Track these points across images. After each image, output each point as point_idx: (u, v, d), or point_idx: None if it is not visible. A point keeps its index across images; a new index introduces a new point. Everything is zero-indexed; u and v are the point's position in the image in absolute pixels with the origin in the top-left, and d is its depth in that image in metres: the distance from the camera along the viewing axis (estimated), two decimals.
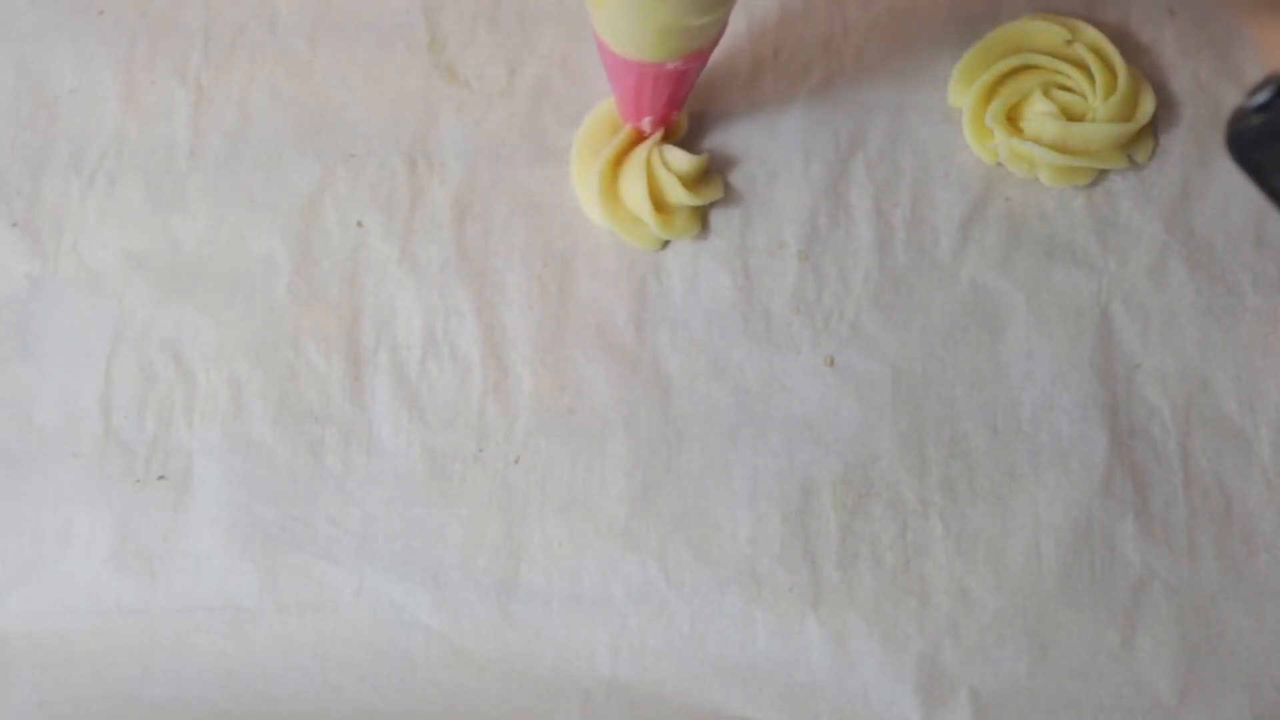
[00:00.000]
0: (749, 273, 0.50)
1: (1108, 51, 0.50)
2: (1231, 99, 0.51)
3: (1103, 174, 0.50)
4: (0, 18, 0.55)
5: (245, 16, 0.54)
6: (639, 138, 0.50)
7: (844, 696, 0.45)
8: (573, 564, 0.47)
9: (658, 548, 0.47)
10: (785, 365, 0.49)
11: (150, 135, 0.53)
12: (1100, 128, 0.49)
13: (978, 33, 0.52)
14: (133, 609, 0.47)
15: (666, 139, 0.50)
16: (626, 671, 0.46)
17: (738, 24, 0.53)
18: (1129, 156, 0.50)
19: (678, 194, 0.49)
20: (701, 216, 0.50)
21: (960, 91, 0.51)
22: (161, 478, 0.48)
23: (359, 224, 0.51)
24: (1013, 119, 0.50)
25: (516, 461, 0.48)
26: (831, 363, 0.48)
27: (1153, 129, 0.51)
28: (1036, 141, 0.49)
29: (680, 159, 0.49)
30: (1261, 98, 0.35)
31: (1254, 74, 0.51)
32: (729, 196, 0.51)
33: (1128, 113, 0.50)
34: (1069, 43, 0.50)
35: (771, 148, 0.51)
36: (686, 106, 0.50)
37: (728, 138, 0.51)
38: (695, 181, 0.50)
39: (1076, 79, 0.50)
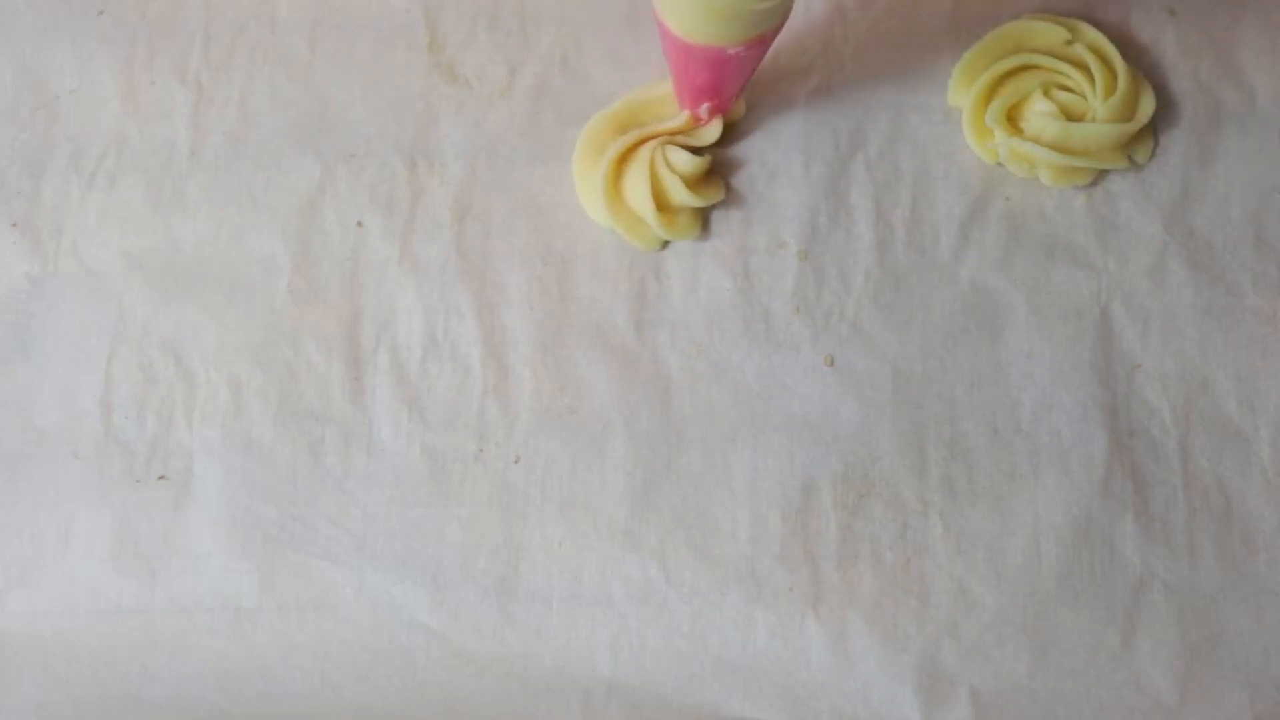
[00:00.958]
0: (749, 273, 0.50)
1: (1108, 51, 0.50)
2: (1231, 99, 0.51)
3: (1103, 174, 0.50)
4: (0, 18, 0.55)
5: (245, 16, 0.54)
6: (641, 139, 0.50)
7: (844, 696, 0.45)
8: (573, 564, 0.47)
9: (658, 548, 0.47)
10: (785, 365, 0.49)
11: (150, 135, 0.53)
12: (1100, 128, 0.49)
13: (978, 33, 0.52)
14: (132, 609, 0.47)
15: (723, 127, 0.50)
16: (626, 671, 0.46)
17: None
18: (1129, 156, 0.50)
19: (680, 194, 0.49)
20: (702, 217, 0.50)
21: (960, 91, 0.51)
22: (161, 478, 0.48)
23: (359, 224, 0.51)
24: (1013, 119, 0.50)
25: (516, 461, 0.48)
26: (831, 362, 0.48)
27: (1153, 129, 0.51)
28: (1036, 141, 0.49)
29: (683, 160, 0.49)
30: None
31: (1254, 74, 0.51)
32: (729, 197, 0.51)
33: (1128, 113, 0.50)
34: (1069, 43, 0.50)
35: (772, 148, 0.51)
36: (745, 94, 0.51)
37: (728, 139, 0.51)
38: (698, 182, 0.50)
39: (1076, 79, 0.50)
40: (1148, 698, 0.45)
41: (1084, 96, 0.50)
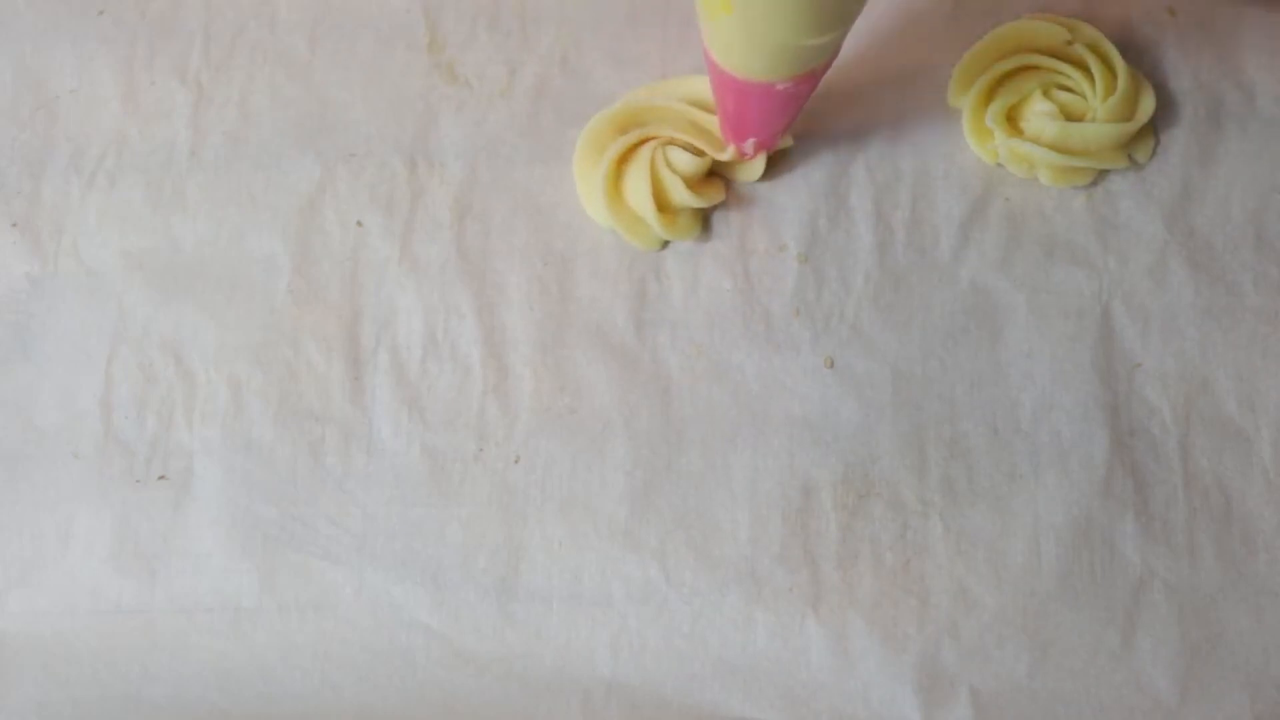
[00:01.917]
0: (749, 274, 0.50)
1: (1108, 51, 0.50)
2: (1232, 99, 0.51)
3: (1103, 174, 0.50)
4: (0, 18, 0.55)
5: (245, 16, 0.54)
6: (641, 140, 0.50)
7: (844, 696, 0.45)
8: (573, 564, 0.47)
9: (658, 548, 0.47)
10: (785, 366, 0.49)
11: (150, 135, 0.53)
12: (1100, 128, 0.49)
13: (978, 33, 0.52)
14: (132, 609, 0.47)
15: (769, 161, 0.50)
16: (626, 671, 0.46)
17: None
18: (1129, 156, 0.50)
19: (681, 195, 0.49)
20: (703, 218, 0.50)
21: (960, 92, 0.51)
22: (161, 478, 0.48)
23: (359, 224, 0.51)
24: (1012, 119, 0.50)
25: (516, 461, 0.48)
26: (831, 364, 0.48)
27: (1153, 129, 0.51)
28: (1036, 142, 0.49)
29: (684, 160, 0.49)
30: None
31: (1254, 74, 0.51)
32: (730, 198, 0.51)
33: (1128, 113, 0.50)
34: (1069, 43, 0.50)
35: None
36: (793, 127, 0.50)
37: None
38: (698, 183, 0.50)
39: (1076, 79, 0.50)
40: (1148, 698, 0.45)
41: (1084, 96, 0.50)
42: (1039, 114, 0.50)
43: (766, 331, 0.49)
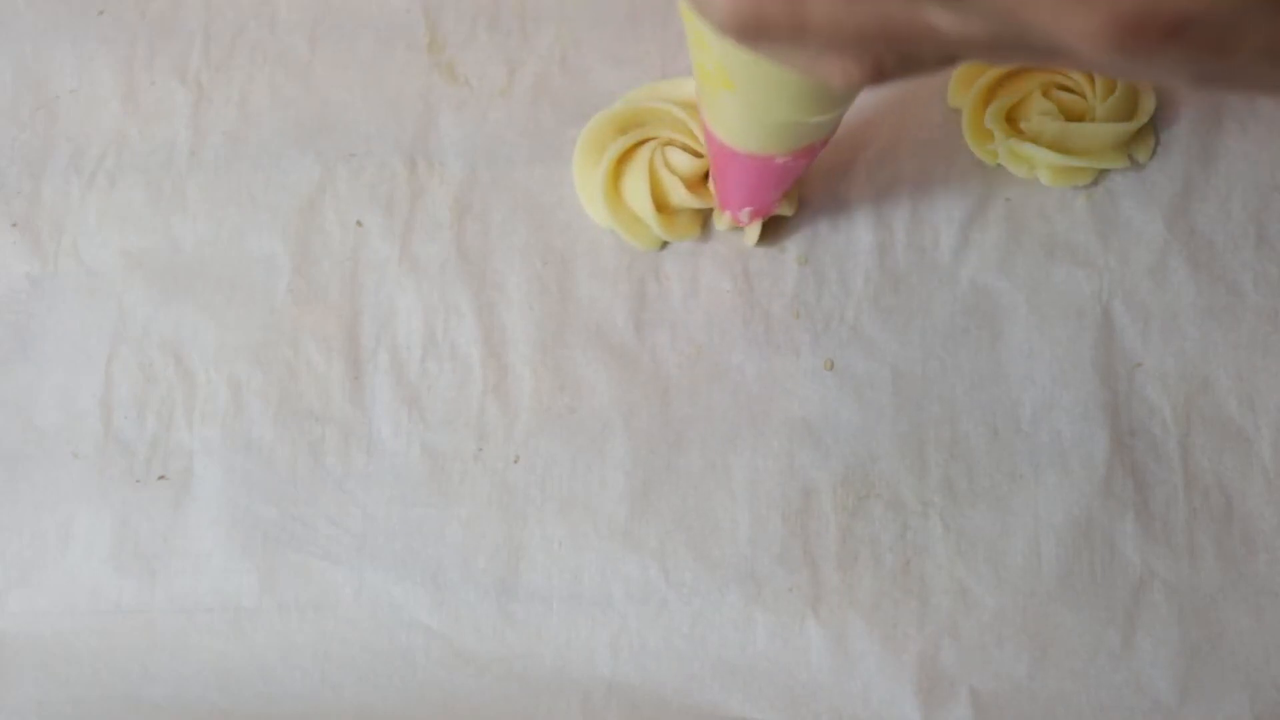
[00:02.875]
0: (749, 275, 0.50)
1: None
2: (1232, 99, 0.51)
3: (1103, 173, 0.50)
4: (0, 18, 0.55)
5: (245, 16, 0.54)
6: (640, 140, 0.50)
7: (844, 697, 0.45)
8: (573, 564, 0.47)
9: (658, 548, 0.47)
10: (785, 367, 0.48)
11: (150, 135, 0.53)
12: (1100, 127, 0.49)
13: None
14: (132, 609, 0.47)
15: (765, 226, 0.49)
16: (626, 671, 0.46)
17: None
18: (1129, 156, 0.50)
19: (680, 195, 0.49)
20: (702, 218, 0.50)
21: (960, 92, 0.51)
22: (161, 478, 0.48)
23: (359, 224, 0.51)
24: (1012, 119, 0.50)
25: (516, 461, 0.48)
26: (831, 365, 0.48)
27: (1153, 128, 0.51)
28: (1036, 142, 0.49)
29: (683, 161, 0.49)
30: None
31: None
32: None
33: (1128, 112, 0.50)
34: None
35: None
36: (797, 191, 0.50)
37: None
38: (697, 184, 0.50)
39: (1076, 79, 0.50)
40: (1148, 698, 0.44)
41: (1083, 96, 0.50)
42: (1039, 114, 0.50)
43: (766, 332, 0.49)
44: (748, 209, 0.47)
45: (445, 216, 0.51)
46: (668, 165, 0.49)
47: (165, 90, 0.53)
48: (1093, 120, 0.49)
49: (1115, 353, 0.48)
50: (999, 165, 0.50)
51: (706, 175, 0.50)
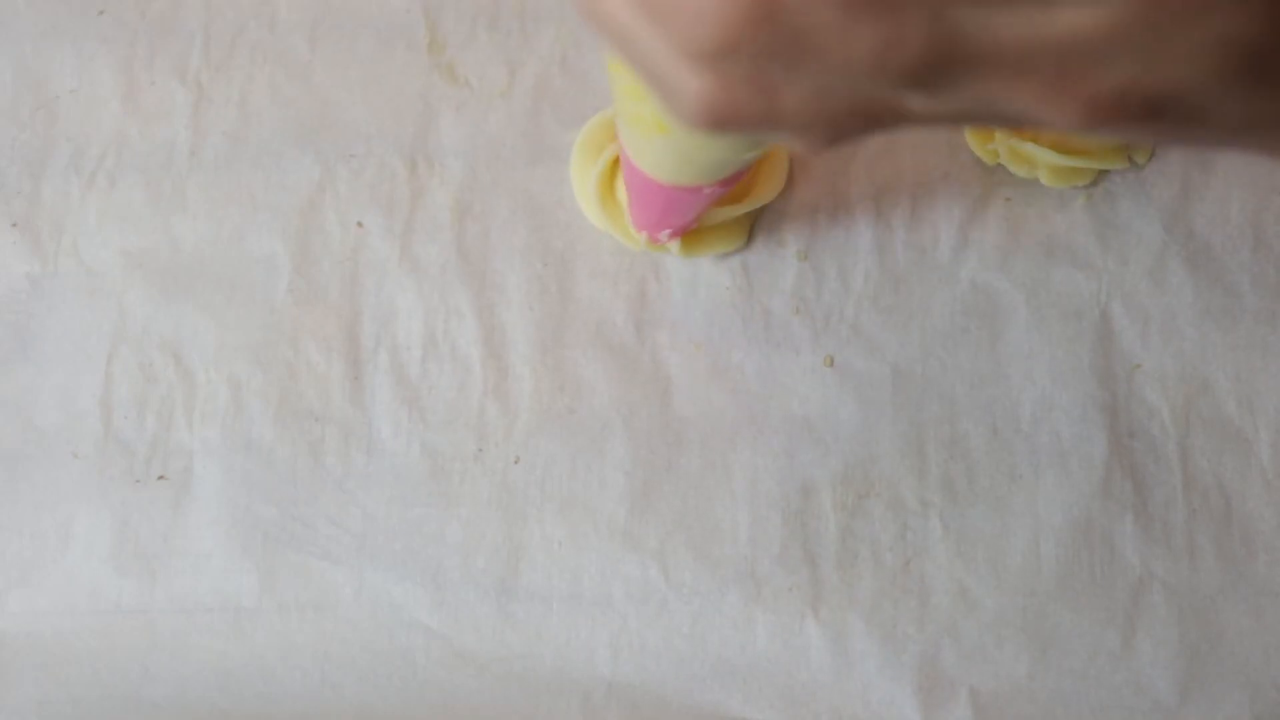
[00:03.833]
0: (748, 273, 0.50)
1: None
2: None
3: (1102, 174, 0.50)
4: (0, 18, 0.55)
5: (245, 17, 0.54)
6: None
7: (844, 696, 0.45)
8: (572, 564, 0.47)
9: (658, 548, 0.47)
10: (785, 365, 0.49)
11: (150, 135, 0.53)
12: None
13: None
14: (132, 609, 0.47)
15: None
16: (626, 671, 0.46)
17: None
18: (1129, 157, 0.50)
19: None
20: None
21: None
22: (161, 478, 0.48)
23: (359, 224, 0.51)
24: None
25: (516, 461, 0.48)
26: (831, 363, 0.48)
27: None
28: (1036, 142, 0.49)
29: None
30: None
31: None
32: None
33: None
34: None
35: None
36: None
37: None
38: None
39: None
40: (1147, 698, 0.45)
41: None
42: None
43: (766, 330, 0.49)
44: (668, 230, 0.47)
45: (445, 217, 0.51)
46: None
47: (165, 90, 0.53)
48: None
49: (1114, 354, 0.48)
50: (999, 165, 0.50)
51: None
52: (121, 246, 0.51)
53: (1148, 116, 0.24)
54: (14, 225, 0.51)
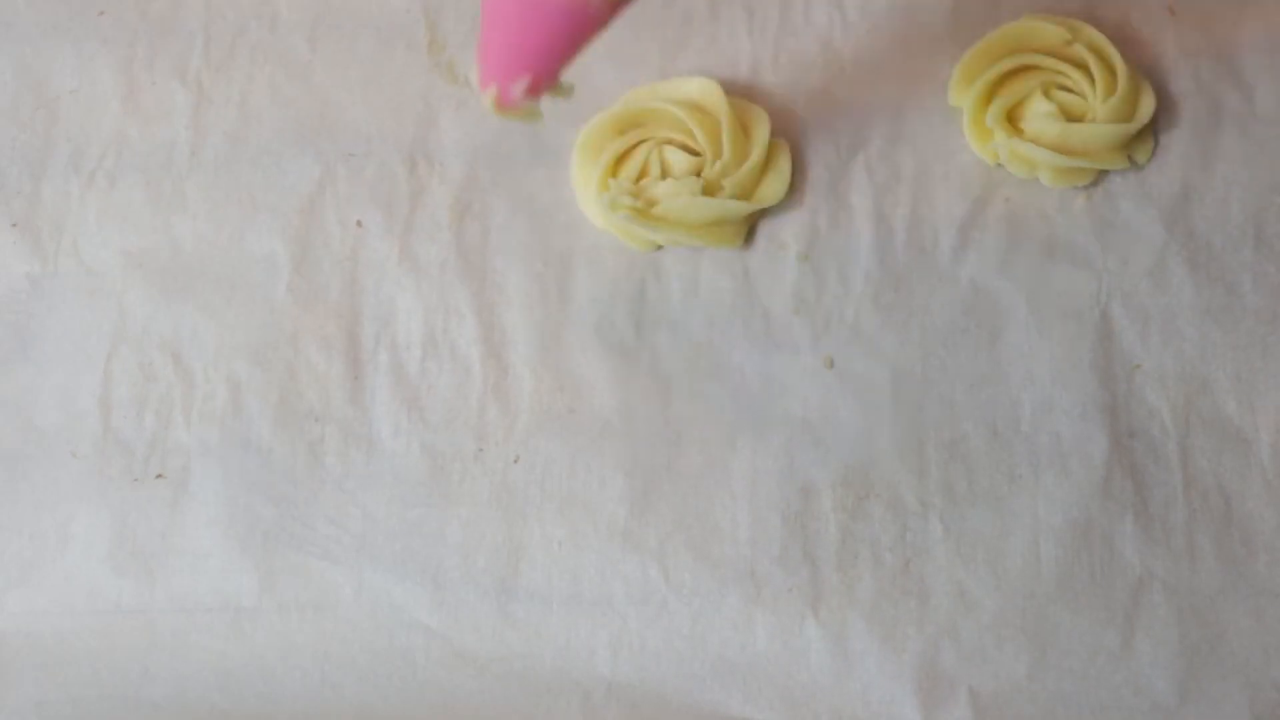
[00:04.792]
0: (748, 274, 0.50)
1: (1108, 51, 0.50)
2: (1231, 99, 0.51)
3: (1103, 174, 0.50)
4: (0, 18, 0.55)
5: (245, 17, 0.54)
6: (639, 140, 0.50)
7: (844, 697, 0.45)
8: (573, 564, 0.47)
9: (658, 548, 0.47)
10: (785, 366, 0.48)
11: (150, 135, 0.53)
12: (1100, 128, 0.49)
13: (978, 33, 0.52)
14: (132, 609, 0.47)
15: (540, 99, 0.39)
16: (626, 672, 0.46)
17: (737, 25, 0.53)
18: (1129, 157, 0.50)
19: None
20: None
21: (960, 92, 0.51)
22: (160, 477, 0.48)
23: (359, 224, 0.51)
24: (1013, 119, 0.50)
25: (516, 461, 0.48)
26: (831, 364, 0.48)
27: (1153, 129, 0.51)
28: (1036, 142, 0.49)
29: (679, 160, 0.49)
30: None
31: (1254, 74, 0.51)
32: None
33: (1128, 113, 0.50)
34: (1069, 43, 0.50)
35: None
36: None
37: None
38: None
39: (1076, 79, 0.50)
40: (1147, 698, 0.45)
41: (1084, 97, 0.50)
42: (1039, 114, 0.50)
43: (766, 331, 0.49)
44: (524, 79, 0.38)
45: (445, 217, 0.51)
46: (664, 165, 0.49)
47: (165, 90, 0.53)
48: (1093, 121, 0.49)
49: (1114, 354, 0.48)
50: (999, 165, 0.50)
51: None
52: (121, 246, 0.51)
53: None
54: (14, 225, 0.51)
